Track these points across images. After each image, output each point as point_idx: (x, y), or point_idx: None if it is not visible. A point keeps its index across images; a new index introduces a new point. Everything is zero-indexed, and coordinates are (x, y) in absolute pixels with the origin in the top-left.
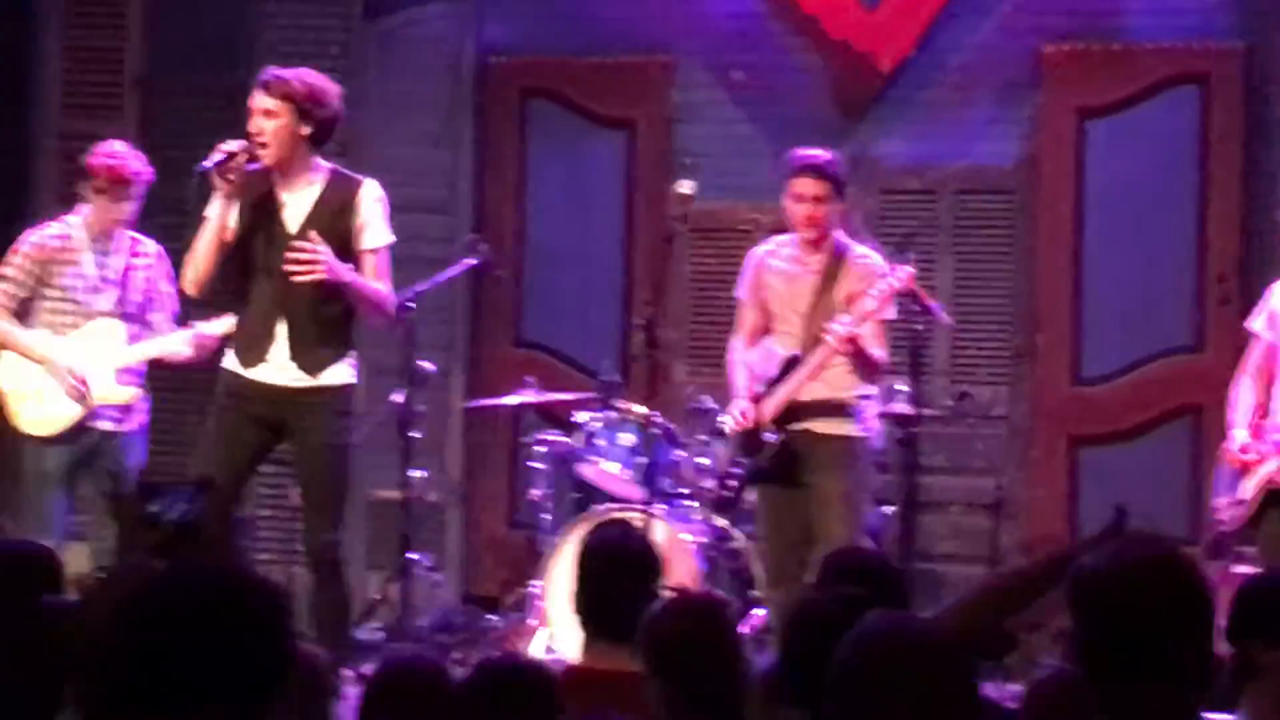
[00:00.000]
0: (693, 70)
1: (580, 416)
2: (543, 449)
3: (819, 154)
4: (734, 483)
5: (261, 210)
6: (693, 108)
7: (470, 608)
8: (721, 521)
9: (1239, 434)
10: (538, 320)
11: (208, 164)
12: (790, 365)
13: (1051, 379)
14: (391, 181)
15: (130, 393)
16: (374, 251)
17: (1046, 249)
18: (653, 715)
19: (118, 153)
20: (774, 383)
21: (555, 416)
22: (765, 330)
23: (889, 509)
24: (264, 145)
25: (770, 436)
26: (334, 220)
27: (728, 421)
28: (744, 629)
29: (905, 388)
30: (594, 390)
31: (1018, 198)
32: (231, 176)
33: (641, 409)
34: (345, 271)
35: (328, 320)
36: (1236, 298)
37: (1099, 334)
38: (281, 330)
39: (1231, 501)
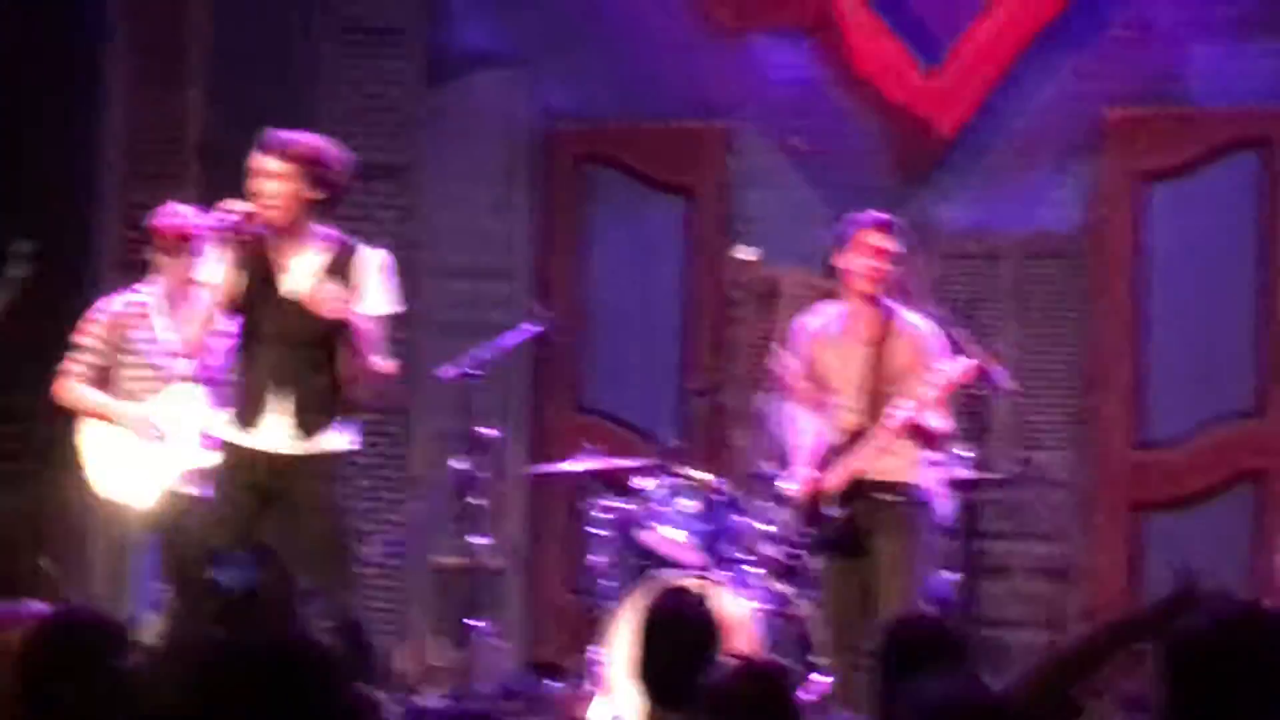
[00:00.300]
0: (751, 135)
1: (641, 482)
2: (604, 515)
3: (881, 214)
4: (798, 552)
5: (262, 276)
6: (752, 173)
7: (532, 674)
8: (782, 587)
9: None
10: (598, 386)
11: (218, 222)
12: (853, 438)
13: (1114, 443)
14: (452, 248)
15: (213, 458)
16: (370, 319)
17: (1108, 313)
18: None
19: (178, 211)
20: (835, 454)
21: (616, 482)
22: (820, 397)
23: (952, 574)
24: (268, 207)
25: (833, 511)
26: (341, 280)
27: (790, 487)
28: (804, 695)
29: (968, 453)
30: (655, 456)
31: (1080, 262)
32: (240, 237)
33: (702, 474)
34: (361, 320)
35: (325, 387)
36: None
37: (1161, 398)
38: (277, 396)
39: None
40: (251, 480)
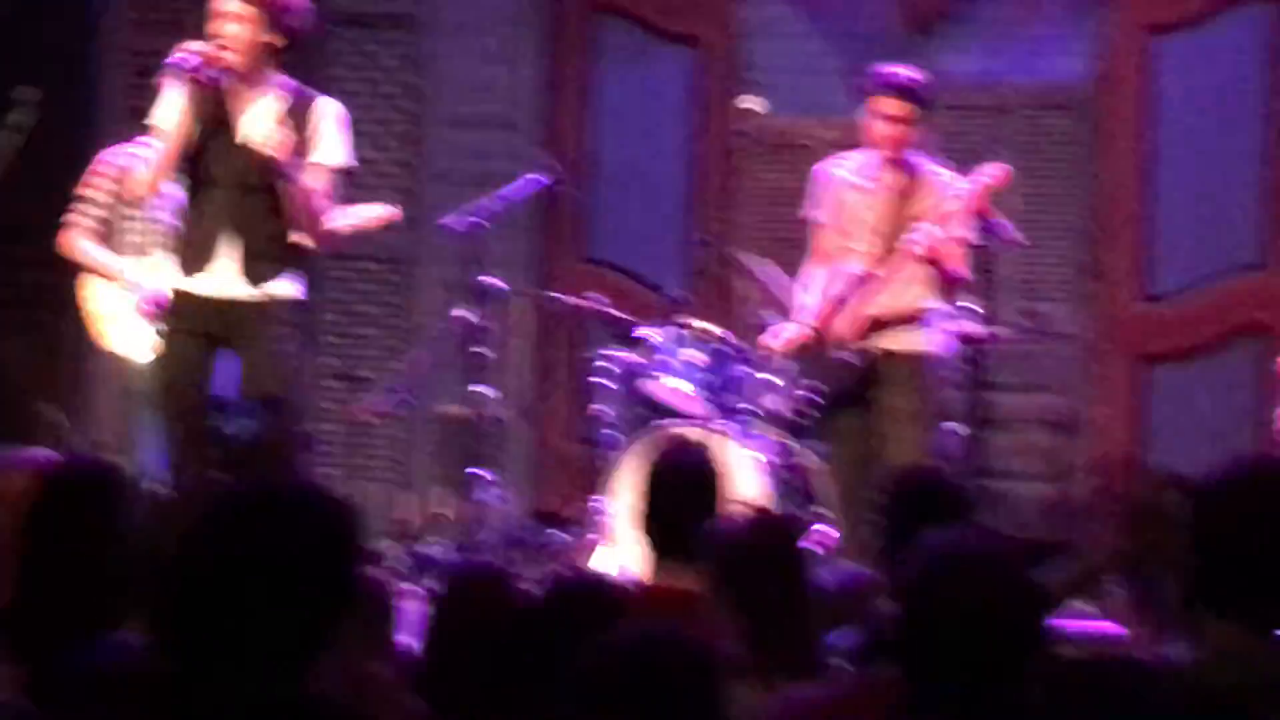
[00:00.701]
0: None
1: (646, 332)
2: (609, 365)
3: (906, 73)
4: (806, 404)
5: (217, 119)
6: (760, 23)
7: (536, 523)
8: (786, 438)
9: None
10: (605, 237)
11: (177, 64)
12: (862, 283)
13: (1120, 297)
14: (458, 97)
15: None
16: (322, 168)
17: (1116, 166)
18: (716, 632)
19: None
20: (843, 300)
21: (621, 332)
22: (837, 249)
23: (957, 426)
24: (228, 50)
25: (844, 356)
26: (293, 129)
27: (801, 343)
28: (808, 545)
29: (974, 305)
30: (660, 306)
31: (1087, 114)
32: (199, 79)
33: (707, 325)
34: (297, 167)
35: (275, 235)
36: None
37: (1168, 252)
38: (227, 242)
39: None
40: (197, 329)
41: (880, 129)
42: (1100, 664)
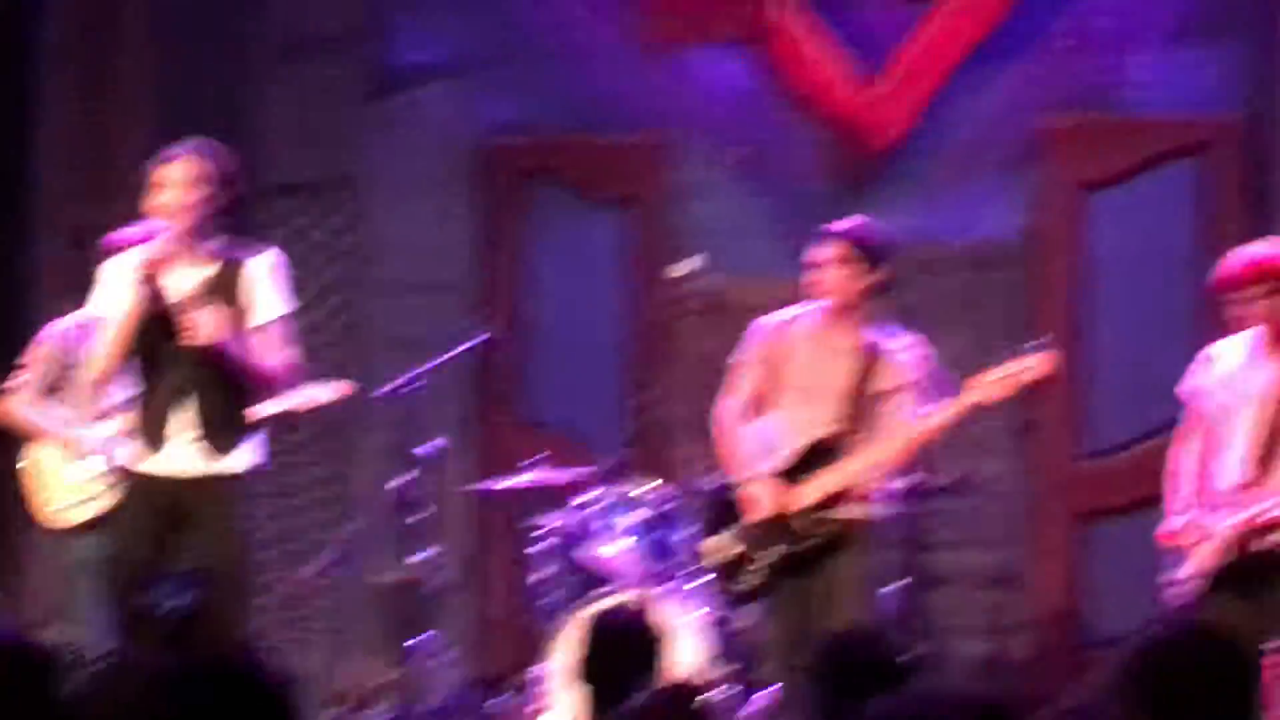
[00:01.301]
0: (692, 148)
1: (583, 497)
2: (546, 530)
3: (844, 221)
4: (756, 573)
5: (160, 299)
6: (692, 186)
7: (475, 690)
8: (726, 601)
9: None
10: (541, 399)
11: (135, 252)
12: (821, 449)
13: (1055, 453)
14: (395, 262)
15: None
16: (271, 323)
17: (1049, 322)
18: None
19: (129, 236)
20: (802, 464)
21: (558, 497)
22: (762, 400)
23: (894, 585)
24: (181, 216)
25: (809, 528)
26: (229, 295)
27: (755, 508)
28: (746, 711)
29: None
30: (597, 469)
31: (1020, 272)
32: (153, 263)
33: (644, 488)
34: (240, 345)
35: (228, 405)
36: None
37: (1102, 408)
38: (183, 413)
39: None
40: (155, 507)
41: (808, 275)
42: None
